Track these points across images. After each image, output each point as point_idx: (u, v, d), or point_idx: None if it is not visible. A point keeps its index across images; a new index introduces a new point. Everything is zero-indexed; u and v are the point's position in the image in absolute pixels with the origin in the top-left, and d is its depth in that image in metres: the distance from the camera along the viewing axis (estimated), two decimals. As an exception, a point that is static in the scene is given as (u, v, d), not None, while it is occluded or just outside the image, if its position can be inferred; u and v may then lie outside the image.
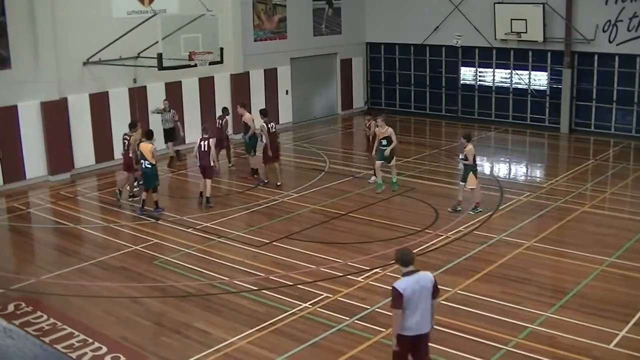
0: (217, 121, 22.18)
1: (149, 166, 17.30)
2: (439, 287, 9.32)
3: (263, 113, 20.18)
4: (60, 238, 16.54)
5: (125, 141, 18.39)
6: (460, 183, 17.60)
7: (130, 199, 18.79)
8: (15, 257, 15.79)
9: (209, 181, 18.09)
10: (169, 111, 22.22)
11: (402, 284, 8.79)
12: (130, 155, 18.22)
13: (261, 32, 27.98)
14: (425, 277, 9.02)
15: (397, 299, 8.71)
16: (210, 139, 18.14)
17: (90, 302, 12.91)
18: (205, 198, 18.15)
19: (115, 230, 16.86)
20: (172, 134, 22.36)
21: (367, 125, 20.87)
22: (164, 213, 17.66)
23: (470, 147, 17.24)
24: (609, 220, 16.95)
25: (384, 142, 18.86)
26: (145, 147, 17.36)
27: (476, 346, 10.79)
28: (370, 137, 20.45)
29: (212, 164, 18.03)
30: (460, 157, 17.82)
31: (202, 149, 18.02)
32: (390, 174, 19.35)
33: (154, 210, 17.70)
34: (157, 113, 22.35)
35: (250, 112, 21.55)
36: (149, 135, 17.87)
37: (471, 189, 17.30)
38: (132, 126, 18.65)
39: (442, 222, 16.74)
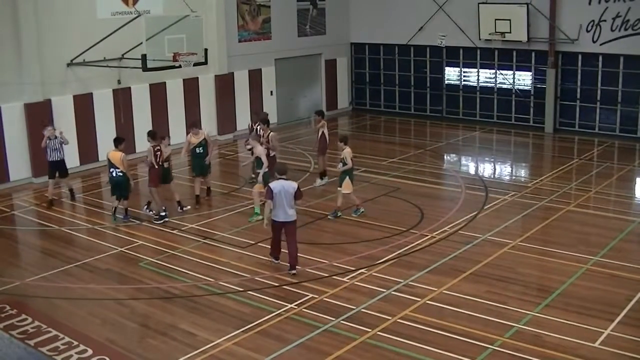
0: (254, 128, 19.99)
1: (120, 174, 16.96)
2: (301, 190, 13.96)
3: (264, 121, 18.97)
4: (45, 240, 16.44)
5: (158, 152, 17.27)
6: (338, 188, 17.18)
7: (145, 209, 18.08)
8: (-2, 259, 15.70)
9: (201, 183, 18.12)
10: (55, 137, 18.63)
11: (274, 185, 13.49)
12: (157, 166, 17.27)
13: (245, 33, 27.94)
14: (290, 184, 13.56)
15: (269, 193, 13.49)
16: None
17: (75, 305, 12.84)
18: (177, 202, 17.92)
19: (100, 232, 16.77)
20: (63, 166, 19.06)
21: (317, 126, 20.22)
22: (149, 214, 17.61)
23: (348, 149, 16.94)
24: (594, 219, 17.03)
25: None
26: (115, 155, 16.95)
27: (462, 345, 10.81)
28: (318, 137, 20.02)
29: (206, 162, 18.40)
30: (340, 163, 16.99)
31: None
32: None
33: (123, 217, 17.38)
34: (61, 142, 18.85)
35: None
36: (118, 142, 17.24)
37: (347, 193, 17.02)
38: (153, 136, 17.55)
39: (427, 222, 16.76)
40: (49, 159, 18.70)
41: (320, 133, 19.97)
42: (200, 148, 18.30)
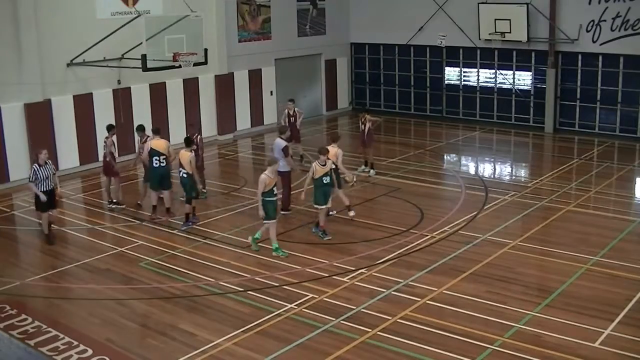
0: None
1: (186, 175, 16.61)
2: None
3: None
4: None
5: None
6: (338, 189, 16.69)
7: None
8: (-1, 259, 15.70)
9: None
10: (46, 164, 15.83)
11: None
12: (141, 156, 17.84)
13: (245, 33, 27.93)
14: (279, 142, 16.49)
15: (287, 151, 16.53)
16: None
17: (75, 305, 12.85)
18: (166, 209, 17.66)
19: (100, 232, 16.76)
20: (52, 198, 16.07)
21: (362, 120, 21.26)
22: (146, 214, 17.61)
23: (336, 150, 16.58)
24: (594, 219, 17.03)
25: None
26: (184, 155, 16.59)
27: (462, 345, 10.81)
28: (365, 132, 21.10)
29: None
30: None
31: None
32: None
33: (183, 225, 16.83)
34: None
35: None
36: (188, 143, 16.96)
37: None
38: (158, 132, 17.73)
39: (427, 222, 16.76)
40: (46, 187, 15.73)
41: (366, 128, 20.99)
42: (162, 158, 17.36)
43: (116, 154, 18.74)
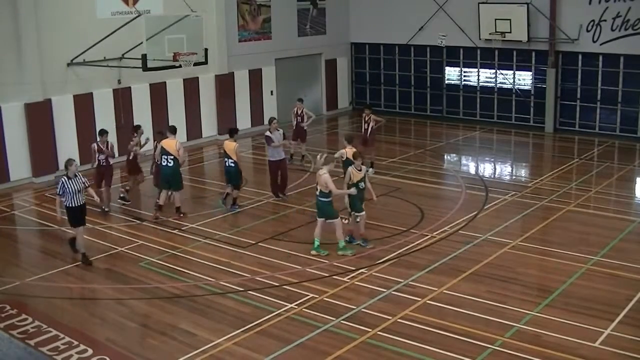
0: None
1: (233, 164, 17.49)
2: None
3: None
4: (45, 240, 16.45)
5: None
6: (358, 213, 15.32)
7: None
8: (-1, 259, 15.70)
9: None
10: (75, 177, 14.56)
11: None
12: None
13: (246, 33, 27.93)
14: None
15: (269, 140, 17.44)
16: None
17: (75, 305, 12.85)
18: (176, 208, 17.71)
19: (100, 232, 16.74)
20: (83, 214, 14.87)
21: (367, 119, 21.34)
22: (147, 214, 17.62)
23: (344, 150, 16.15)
24: (594, 219, 17.03)
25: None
26: (229, 145, 17.63)
27: (462, 345, 10.81)
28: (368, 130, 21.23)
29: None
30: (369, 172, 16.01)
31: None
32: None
33: (231, 206, 17.94)
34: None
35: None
36: (231, 132, 18.10)
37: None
38: (173, 131, 17.75)
39: (427, 222, 16.76)
40: (68, 204, 14.52)
41: (369, 127, 21.17)
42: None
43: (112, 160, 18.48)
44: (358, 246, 15.11)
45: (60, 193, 14.39)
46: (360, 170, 15.08)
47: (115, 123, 22.79)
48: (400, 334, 11.22)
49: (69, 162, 14.61)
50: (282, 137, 18.87)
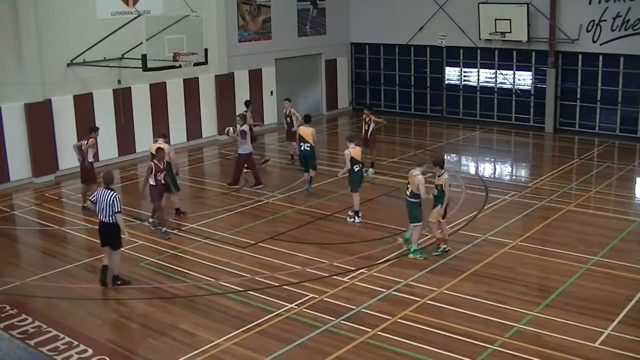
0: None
1: (309, 148, 18.89)
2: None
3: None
4: (45, 240, 16.44)
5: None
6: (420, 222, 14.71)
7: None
8: (-1, 259, 15.69)
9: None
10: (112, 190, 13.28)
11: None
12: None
13: (246, 33, 27.93)
14: None
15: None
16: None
17: (75, 305, 12.84)
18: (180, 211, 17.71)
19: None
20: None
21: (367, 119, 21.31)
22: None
23: (446, 176, 14.63)
24: (594, 219, 17.03)
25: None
26: (306, 130, 18.98)
27: (462, 345, 10.81)
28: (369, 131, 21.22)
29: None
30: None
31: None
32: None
33: (306, 188, 19.25)
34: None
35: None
36: (307, 118, 19.59)
37: (431, 222, 14.83)
38: (164, 136, 17.54)
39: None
40: (102, 218, 13.17)
41: (369, 128, 21.20)
42: None
43: (96, 157, 18.63)
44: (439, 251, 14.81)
45: (93, 200, 13.21)
46: (439, 176, 14.48)
47: (115, 123, 22.78)
48: (400, 334, 11.22)
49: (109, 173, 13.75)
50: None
